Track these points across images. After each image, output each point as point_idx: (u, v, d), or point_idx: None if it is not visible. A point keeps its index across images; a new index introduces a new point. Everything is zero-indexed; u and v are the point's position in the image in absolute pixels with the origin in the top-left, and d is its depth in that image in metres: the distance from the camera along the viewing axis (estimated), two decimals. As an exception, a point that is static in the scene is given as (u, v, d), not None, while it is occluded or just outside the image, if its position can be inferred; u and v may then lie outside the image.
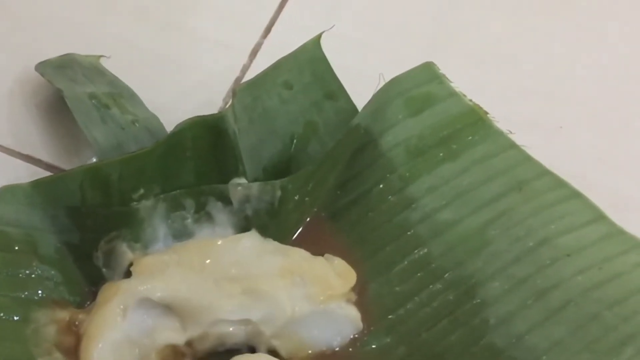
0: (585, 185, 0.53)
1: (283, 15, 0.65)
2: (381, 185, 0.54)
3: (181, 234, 0.51)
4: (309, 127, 0.56)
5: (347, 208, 0.54)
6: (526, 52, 0.64)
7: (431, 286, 0.51)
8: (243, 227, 0.51)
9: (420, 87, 0.56)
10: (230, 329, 0.49)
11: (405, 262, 0.52)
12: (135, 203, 0.50)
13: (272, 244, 0.51)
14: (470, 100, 0.56)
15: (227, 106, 0.54)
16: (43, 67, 0.56)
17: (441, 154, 0.54)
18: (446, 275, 0.51)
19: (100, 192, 0.50)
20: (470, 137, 0.55)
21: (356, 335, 0.51)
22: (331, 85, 0.57)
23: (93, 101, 0.54)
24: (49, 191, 0.50)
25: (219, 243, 0.50)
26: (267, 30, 0.64)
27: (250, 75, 0.60)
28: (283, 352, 0.50)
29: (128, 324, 0.48)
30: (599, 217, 0.52)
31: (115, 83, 0.58)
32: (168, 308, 0.49)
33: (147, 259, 0.50)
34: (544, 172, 0.53)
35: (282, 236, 0.52)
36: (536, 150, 0.54)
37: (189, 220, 0.51)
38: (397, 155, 0.54)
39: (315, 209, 0.54)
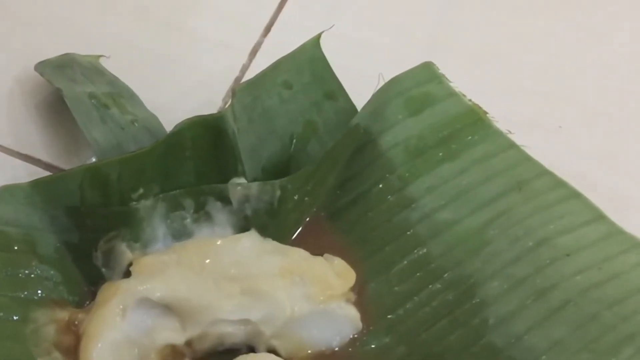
0: (585, 185, 0.53)
1: (282, 15, 0.65)
2: (380, 185, 0.54)
3: (180, 234, 0.51)
4: (309, 126, 0.56)
5: (347, 208, 0.54)
6: (525, 52, 0.64)
7: (430, 286, 0.51)
8: (242, 227, 0.51)
9: (420, 87, 0.56)
10: (230, 329, 0.49)
11: (405, 262, 0.52)
12: (134, 203, 0.50)
13: (271, 244, 0.51)
14: (470, 100, 0.56)
15: (227, 106, 0.54)
16: (42, 67, 0.56)
17: (441, 154, 0.54)
18: (445, 275, 0.51)
19: (100, 192, 0.50)
20: (469, 137, 0.55)
21: (355, 335, 0.51)
22: (331, 85, 0.57)
23: (92, 101, 0.54)
24: (48, 191, 0.50)
25: (219, 243, 0.50)
26: (267, 30, 0.64)
27: (249, 75, 0.60)
28: (282, 352, 0.50)
29: (127, 323, 0.48)
30: (599, 216, 0.52)
31: (114, 83, 0.58)
32: (167, 308, 0.49)
33: (146, 258, 0.50)
34: (544, 172, 0.53)
35: (281, 236, 0.52)
36: (536, 150, 0.54)
37: (189, 220, 0.51)
38: (397, 155, 0.54)
39: (315, 209, 0.54)
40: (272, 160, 0.54)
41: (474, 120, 0.55)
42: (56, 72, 0.56)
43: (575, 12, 0.67)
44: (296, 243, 0.53)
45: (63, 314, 0.48)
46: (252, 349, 0.50)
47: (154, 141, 0.52)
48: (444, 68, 0.56)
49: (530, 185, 0.53)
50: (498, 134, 0.55)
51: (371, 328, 0.51)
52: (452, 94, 0.56)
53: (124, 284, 0.48)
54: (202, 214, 0.51)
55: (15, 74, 0.59)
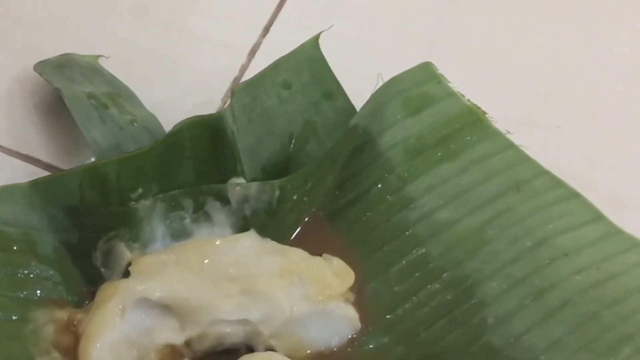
0: (584, 185, 0.53)
1: (282, 15, 0.65)
2: (379, 185, 0.54)
3: (180, 234, 0.51)
4: (308, 126, 0.56)
5: (346, 208, 0.54)
6: (524, 52, 0.64)
7: (429, 286, 0.51)
8: (241, 227, 0.51)
9: (419, 87, 0.56)
10: (229, 329, 0.49)
11: (404, 262, 0.52)
12: (133, 203, 0.50)
13: (270, 244, 0.51)
14: (469, 100, 0.56)
15: (226, 106, 0.54)
16: (42, 67, 0.56)
17: (439, 154, 0.54)
18: (444, 275, 0.51)
19: (99, 192, 0.50)
20: (468, 137, 0.55)
21: (354, 335, 0.51)
22: (329, 85, 0.57)
23: (92, 101, 0.54)
24: (47, 191, 0.50)
25: (218, 243, 0.50)
26: (266, 30, 0.64)
27: (249, 75, 0.60)
28: (281, 352, 0.50)
29: (126, 323, 0.48)
30: (597, 216, 0.52)
31: (113, 83, 0.58)
32: (166, 308, 0.49)
33: (145, 258, 0.50)
34: (542, 172, 0.53)
35: (280, 236, 0.52)
36: (534, 150, 0.54)
37: (188, 220, 0.51)
38: (396, 155, 0.54)
39: (314, 209, 0.54)
40: (271, 160, 0.54)
41: (472, 120, 0.55)
42: (55, 72, 0.56)
43: (574, 12, 0.67)
44: (295, 243, 0.53)
45: (62, 314, 0.48)
46: (251, 349, 0.50)
47: (153, 141, 0.52)
48: (442, 68, 0.57)
49: (529, 185, 0.53)
50: (497, 134, 0.55)
51: (370, 328, 0.51)
52: (451, 94, 0.56)
53: (123, 284, 0.48)
54: (201, 214, 0.51)
55: (15, 73, 0.59)
